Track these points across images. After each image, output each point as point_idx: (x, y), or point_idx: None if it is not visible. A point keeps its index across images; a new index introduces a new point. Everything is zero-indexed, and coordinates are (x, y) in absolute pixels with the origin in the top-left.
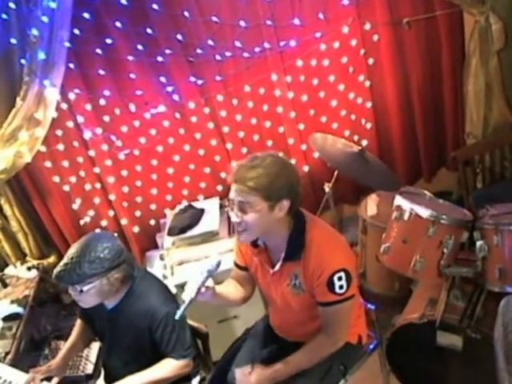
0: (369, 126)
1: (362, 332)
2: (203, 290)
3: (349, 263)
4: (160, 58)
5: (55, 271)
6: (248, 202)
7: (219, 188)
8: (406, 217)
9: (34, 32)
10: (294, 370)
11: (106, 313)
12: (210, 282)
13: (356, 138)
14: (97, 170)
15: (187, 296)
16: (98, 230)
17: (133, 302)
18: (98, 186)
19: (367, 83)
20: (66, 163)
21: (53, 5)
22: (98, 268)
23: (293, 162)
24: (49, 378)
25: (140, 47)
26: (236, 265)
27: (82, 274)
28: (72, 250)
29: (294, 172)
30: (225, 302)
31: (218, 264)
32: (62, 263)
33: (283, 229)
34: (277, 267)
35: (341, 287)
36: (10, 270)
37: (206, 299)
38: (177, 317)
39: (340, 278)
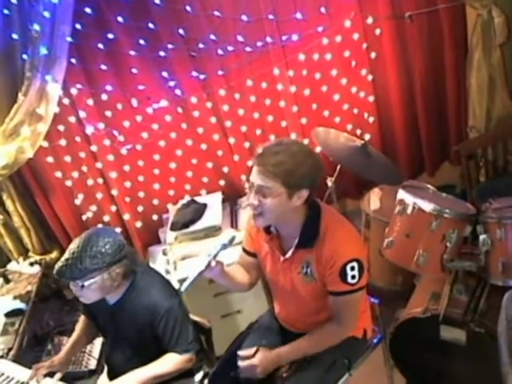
0: (371, 119)
1: (367, 326)
2: (213, 263)
3: (361, 254)
4: (162, 53)
5: (56, 267)
6: (268, 187)
7: (222, 183)
8: (408, 211)
9: (36, 27)
10: (298, 354)
11: (108, 308)
12: (220, 258)
13: (359, 131)
14: (99, 165)
15: (196, 268)
16: (100, 226)
17: (134, 297)
18: (100, 181)
19: (370, 77)
20: (68, 158)
21: (54, 0)
22: (100, 263)
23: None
24: (51, 374)
25: (142, 42)
26: (244, 250)
27: (84, 269)
28: (73, 246)
29: (317, 162)
30: (231, 283)
31: (232, 239)
32: (63, 259)
33: (298, 216)
34: (289, 254)
35: (353, 277)
36: (12, 266)
37: (213, 275)
38: (183, 288)
39: (353, 268)
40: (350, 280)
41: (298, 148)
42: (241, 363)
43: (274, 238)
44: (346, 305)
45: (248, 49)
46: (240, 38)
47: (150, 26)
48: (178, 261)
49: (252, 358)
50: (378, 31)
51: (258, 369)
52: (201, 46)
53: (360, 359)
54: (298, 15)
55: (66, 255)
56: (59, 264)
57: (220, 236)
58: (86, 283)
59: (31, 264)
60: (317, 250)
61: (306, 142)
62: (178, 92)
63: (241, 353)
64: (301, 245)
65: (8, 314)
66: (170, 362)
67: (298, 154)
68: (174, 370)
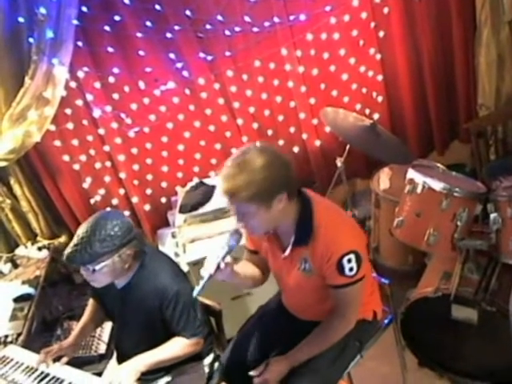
0: (380, 99)
1: (377, 308)
2: (222, 265)
3: (358, 244)
4: (169, 35)
5: (66, 253)
6: (243, 212)
7: None
8: (418, 190)
9: (42, 10)
10: (307, 356)
11: (116, 292)
12: (229, 258)
13: (367, 111)
14: (107, 148)
15: (206, 272)
16: (107, 209)
17: (143, 281)
18: (108, 164)
19: (378, 56)
20: (75, 142)
21: None
22: (110, 246)
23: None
24: (59, 359)
25: (149, 24)
26: (247, 249)
27: (94, 254)
28: (81, 231)
29: (281, 161)
30: (243, 282)
31: (239, 238)
32: (72, 244)
33: (290, 215)
34: (287, 252)
35: (351, 269)
36: (20, 251)
37: (224, 277)
38: (195, 294)
39: (350, 261)
40: (347, 272)
41: (258, 161)
42: (255, 381)
43: (271, 238)
44: (347, 297)
45: (255, 29)
46: (247, 19)
47: (157, 7)
48: (187, 243)
49: (264, 373)
50: (386, 10)
51: (270, 382)
52: (208, 26)
53: (371, 340)
54: None
55: (75, 241)
56: (68, 250)
57: (227, 235)
58: (97, 267)
59: (39, 249)
60: (312, 246)
61: (259, 145)
62: (185, 73)
63: (252, 373)
64: (296, 243)
65: (17, 299)
66: (177, 346)
67: (260, 168)
68: (181, 354)
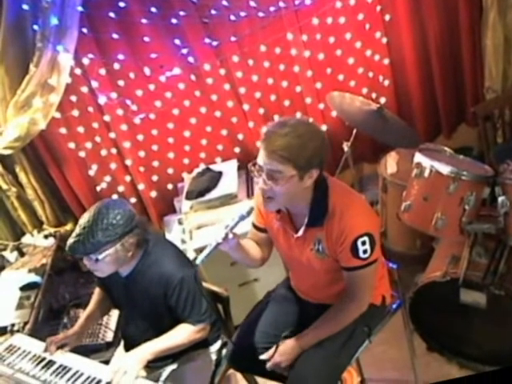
0: (387, 83)
1: (386, 292)
2: (230, 235)
3: (372, 227)
4: (174, 20)
5: (68, 243)
6: (279, 171)
7: (237, 150)
8: (426, 174)
9: None
10: (319, 338)
11: (121, 281)
12: (238, 230)
13: (374, 95)
14: (112, 135)
15: (213, 240)
16: (114, 196)
17: (147, 269)
18: (113, 151)
19: (384, 40)
20: (81, 129)
21: None
22: (112, 235)
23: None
24: (63, 347)
25: (153, 10)
26: (255, 226)
27: (97, 243)
28: (83, 220)
29: (324, 141)
30: (245, 257)
31: (251, 210)
32: (74, 234)
33: (306, 196)
34: (300, 232)
35: (365, 252)
36: (26, 239)
37: (229, 248)
38: (198, 261)
39: (364, 243)
40: (361, 255)
41: (304, 128)
42: (267, 365)
43: (284, 217)
44: (360, 280)
45: (261, 14)
46: (252, 4)
47: None
48: (194, 230)
49: (274, 357)
50: None
51: (282, 364)
52: (213, 12)
53: (379, 325)
54: None
55: (77, 231)
56: (71, 240)
57: (238, 207)
58: (100, 256)
59: (46, 237)
60: (327, 228)
61: (310, 120)
62: (190, 59)
63: (263, 356)
64: (310, 223)
65: (23, 288)
66: (183, 333)
67: (304, 135)
68: (188, 341)
